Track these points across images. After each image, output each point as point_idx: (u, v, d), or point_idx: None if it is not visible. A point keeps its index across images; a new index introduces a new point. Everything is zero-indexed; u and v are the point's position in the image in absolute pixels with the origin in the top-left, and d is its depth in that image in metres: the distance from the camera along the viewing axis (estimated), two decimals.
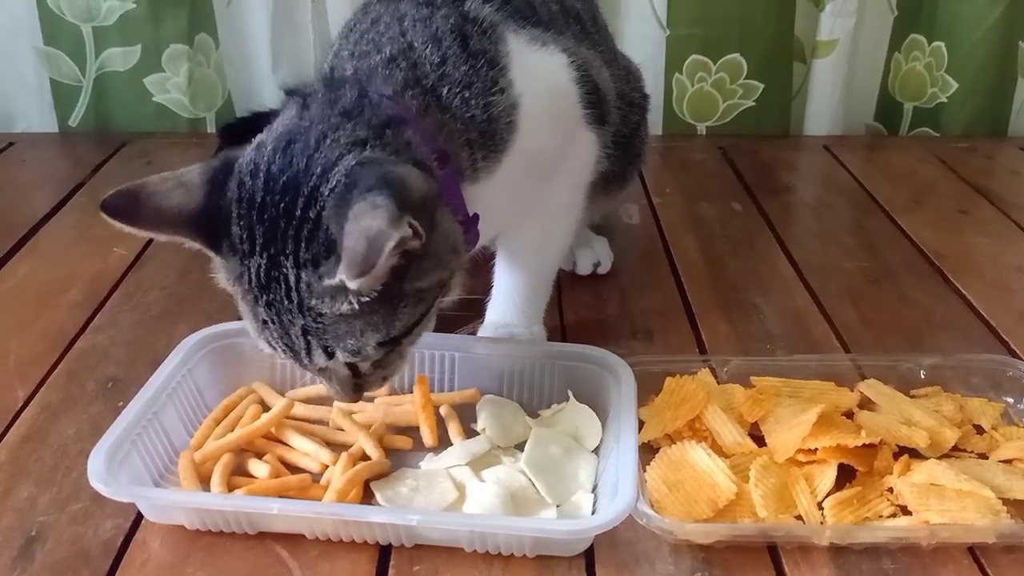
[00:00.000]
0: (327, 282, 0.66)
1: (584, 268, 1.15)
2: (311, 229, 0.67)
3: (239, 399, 0.86)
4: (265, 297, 0.69)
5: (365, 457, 0.79)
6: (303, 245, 0.67)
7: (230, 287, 0.73)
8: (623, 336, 1.02)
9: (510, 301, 0.96)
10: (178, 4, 1.60)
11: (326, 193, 0.67)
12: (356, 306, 0.67)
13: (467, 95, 0.79)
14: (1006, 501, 0.74)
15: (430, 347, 0.89)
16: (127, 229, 0.69)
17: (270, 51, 1.65)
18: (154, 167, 1.52)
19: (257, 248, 0.68)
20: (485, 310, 0.97)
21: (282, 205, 0.68)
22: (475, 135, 0.79)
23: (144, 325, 1.04)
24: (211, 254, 0.72)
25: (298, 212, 0.67)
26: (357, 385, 0.75)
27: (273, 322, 0.70)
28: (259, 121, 1.70)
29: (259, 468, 0.78)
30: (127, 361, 0.96)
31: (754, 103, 1.69)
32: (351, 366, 0.73)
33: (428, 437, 0.82)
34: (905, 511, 0.75)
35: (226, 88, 1.68)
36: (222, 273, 0.73)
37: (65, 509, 0.76)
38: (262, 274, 0.69)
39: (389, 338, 0.71)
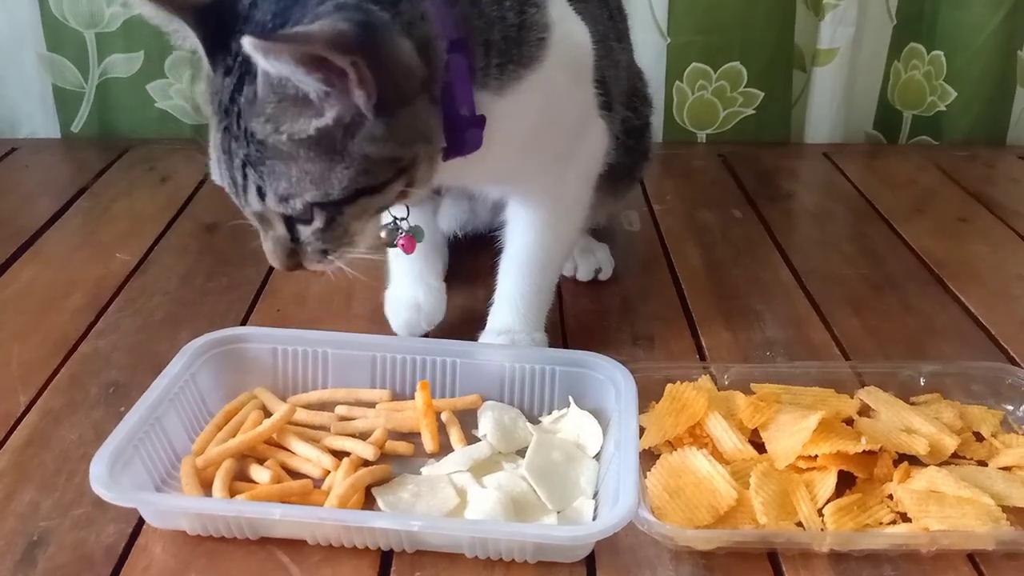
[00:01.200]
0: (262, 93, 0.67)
1: (585, 275, 1.16)
2: None
3: (241, 404, 0.86)
4: (224, 121, 0.70)
5: (367, 463, 0.80)
6: None
7: (206, 109, 0.73)
8: (624, 343, 1.03)
9: (513, 306, 0.96)
10: None
11: (306, 21, 0.67)
12: (289, 141, 0.67)
13: None
14: (1006, 508, 0.74)
15: (431, 352, 0.89)
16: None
17: None
18: (156, 173, 1.52)
19: (235, 68, 0.69)
20: (487, 316, 0.97)
21: (268, 28, 0.68)
22: (498, 37, 0.78)
23: (146, 330, 1.04)
24: (204, 57, 0.71)
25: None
26: (292, 251, 0.75)
27: (225, 152, 0.71)
28: None
29: (260, 474, 0.78)
30: (129, 366, 0.96)
31: (754, 111, 1.70)
32: (289, 225, 0.73)
33: (429, 443, 0.83)
34: (905, 518, 0.75)
35: None
36: (206, 91, 0.73)
37: (67, 514, 0.76)
38: (227, 96, 0.69)
39: (327, 199, 0.70)
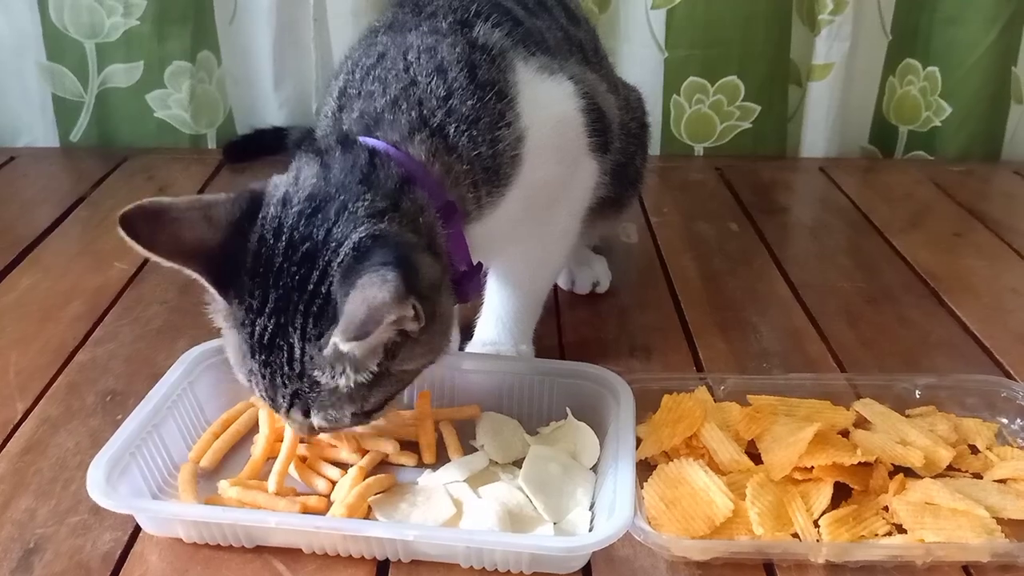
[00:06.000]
0: (326, 352, 0.67)
1: (583, 287, 1.16)
2: (321, 304, 0.68)
3: (239, 413, 0.86)
4: (263, 356, 0.70)
5: (372, 472, 0.80)
6: (311, 320, 0.68)
7: (223, 325, 0.73)
8: (621, 354, 1.03)
9: (499, 320, 0.96)
10: (181, 21, 1.61)
11: (335, 266, 0.68)
12: (352, 383, 0.69)
13: (474, 132, 0.77)
14: (1000, 520, 0.75)
15: None
16: (139, 249, 0.68)
17: (272, 69, 1.66)
18: (155, 182, 1.53)
19: (267, 311, 0.69)
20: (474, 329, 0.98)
21: (298, 277, 0.68)
22: (481, 174, 0.79)
23: (144, 339, 1.04)
24: (215, 294, 0.72)
25: (311, 287, 0.68)
26: (312, 428, 0.75)
27: (264, 377, 0.71)
28: (261, 138, 1.71)
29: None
30: (127, 375, 0.96)
31: (751, 125, 1.71)
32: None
33: (427, 453, 0.83)
34: (900, 529, 0.75)
35: (227, 105, 1.69)
36: (220, 311, 0.73)
37: (64, 521, 0.76)
38: (266, 336, 0.69)
39: (363, 411, 0.73)
